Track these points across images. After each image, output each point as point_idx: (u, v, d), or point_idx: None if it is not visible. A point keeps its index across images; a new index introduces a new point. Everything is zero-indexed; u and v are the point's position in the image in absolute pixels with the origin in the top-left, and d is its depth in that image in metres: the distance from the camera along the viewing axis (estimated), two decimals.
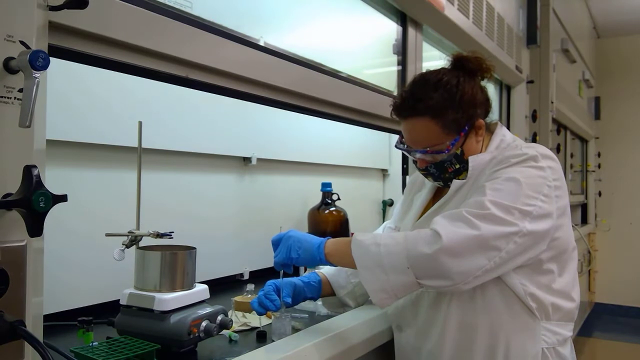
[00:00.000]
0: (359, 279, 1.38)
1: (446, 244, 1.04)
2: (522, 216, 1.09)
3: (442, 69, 1.30)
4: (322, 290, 1.40)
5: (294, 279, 1.34)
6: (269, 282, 1.29)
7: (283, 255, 1.23)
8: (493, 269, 1.08)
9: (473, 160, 1.25)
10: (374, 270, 1.12)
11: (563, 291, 1.22)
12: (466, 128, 1.24)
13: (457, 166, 1.27)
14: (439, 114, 1.22)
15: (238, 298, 1.50)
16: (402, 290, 1.13)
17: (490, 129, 1.33)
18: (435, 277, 1.08)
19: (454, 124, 1.23)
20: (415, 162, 1.34)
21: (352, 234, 1.82)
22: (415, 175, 1.53)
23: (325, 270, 1.44)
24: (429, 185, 1.42)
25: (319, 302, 1.50)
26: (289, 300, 1.28)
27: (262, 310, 1.24)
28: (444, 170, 1.28)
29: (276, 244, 1.26)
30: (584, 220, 5.69)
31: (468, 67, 1.28)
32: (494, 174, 1.17)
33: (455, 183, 1.27)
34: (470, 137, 1.26)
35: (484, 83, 1.33)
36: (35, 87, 0.72)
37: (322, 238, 1.24)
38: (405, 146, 1.31)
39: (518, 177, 1.13)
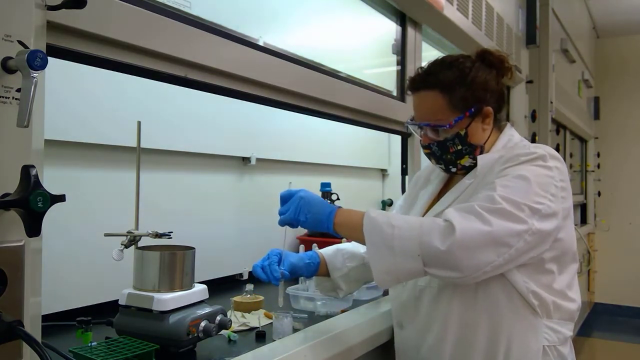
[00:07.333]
0: (355, 264, 1.40)
1: (459, 237, 1.05)
2: (531, 213, 1.10)
3: (462, 54, 1.34)
4: (318, 270, 1.40)
5: (295, 259, 1.34)
6: (274, 251, 1.30)
7: (291, 216, 1.20)
8: (501, 265, 1.09)
9: (481, 159, 1.27)
10: (383, 250, 1.11)
11: (563, 292, 1.23)
12: (472, 109, 1.27)
13: (459, 147, 1.28)
14: (447, 89, 1.26)
15: (237, 298, 1.50)
16: (407, 276, 1.13)
17: (500, 129, 1.35)
18: (444, 268, 1.08)
19: (461, 101, 1.26)
20: (420, 140, 1.35)
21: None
22: (420, 172, 1.55)
23: (323, 251, 1.44)
24: (435, 181, 1.43)
25: (319, 303, 1.50)
26: (287, 273, 1.29)
27: (264, 276, 1.25)
28: (445, 150, 1.30)
29: (285, 199, 1.24)
30: (584, 220, 5.69)
31: (488, 59, 1.32)
32: (503, 172, 1.18)
33: (464, 182, 1.28)
34: (476, 122, 1.28)
35: None
36: (33, 87, 0.72)
37: (333, 206, 1.22)
38: (412, 121, 1.34)
39: (527, 175, 1.14)
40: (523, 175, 1.14)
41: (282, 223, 1.23)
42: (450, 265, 1.07)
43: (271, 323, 1.29)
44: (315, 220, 1.19)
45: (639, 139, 6.04)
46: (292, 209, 1.20)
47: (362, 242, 1.16)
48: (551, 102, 3.70)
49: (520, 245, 1.09)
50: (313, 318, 1.44)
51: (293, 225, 1.22)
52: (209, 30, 1.20)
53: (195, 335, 1.09)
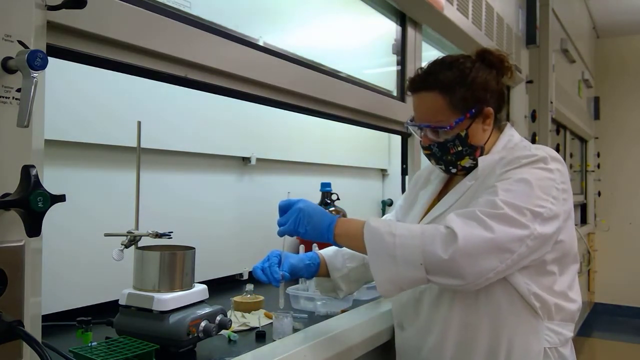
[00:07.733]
0: (355, 264, 1.40)
1: (461, 244, 1.05)
2: (533, 217, 1.10)
3: (462, 54, 1.34)
4: (318, 270, 1.40)
5: (295, 260, 1.34)
6: (274, 252, 1.30)
7: (290, 228, 1.20)
8: (504, 270, 1.09)
9: (482, 161, 1.26)
10: (385, 260, 1.11)
11: (564, 293, 1.23)
12: (473, 110, 1.26)
13: (460, 148, 1.28)
14: (447, 90, 1.25)
15: (237, 298, 1.50)
16: (409, 284, 1.13)
17: (500, 129, 1.35)
18: (447, 276, 1.08)
19: (462, 102, 1.25)
20: (420, 141, 1.35)
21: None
22: (420, 172, 1.55)
23: (324, 252, 1.44)
24: (435, 181, 1.43)
25: (318, 303, 1.50)
26: (288, 275, 1.29)
27: (264, 278, 1.25)
28: (446, 151, 1.29)
29: (284, 210, 1.24)
30: (584, 220, 5.69)
31: (488, 59, 1.31)
32: (504, 175, 1.17)
33: (465, 183, 1.28)
34: (477, 123, 1.28)
35: None
36: (33, 87, 0.72)
37: (333, 216, 1.22)
38: (412, 122, 1.34)
39: (529, 179, 1.13)
40: (525, 179, 1.13)
41: (281, 234, 1.24)
42: (453, 273, 1.06)
43: (271, 323, 1.29)
44: (315, 232, 1.19)
45: (639, 139, 6.04)
46: (292, 220, 1.20)
47: (364, 252, 1.15)
48: (551, 102, 3.70)
49: (523, 250, 1.08)
50: (313, 318, 1.44)
51: (292, 235, 1.23)
52: (209, 30, 1.20)
53: (195, 335, 1.09)
